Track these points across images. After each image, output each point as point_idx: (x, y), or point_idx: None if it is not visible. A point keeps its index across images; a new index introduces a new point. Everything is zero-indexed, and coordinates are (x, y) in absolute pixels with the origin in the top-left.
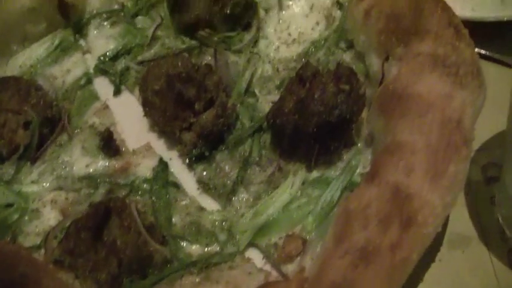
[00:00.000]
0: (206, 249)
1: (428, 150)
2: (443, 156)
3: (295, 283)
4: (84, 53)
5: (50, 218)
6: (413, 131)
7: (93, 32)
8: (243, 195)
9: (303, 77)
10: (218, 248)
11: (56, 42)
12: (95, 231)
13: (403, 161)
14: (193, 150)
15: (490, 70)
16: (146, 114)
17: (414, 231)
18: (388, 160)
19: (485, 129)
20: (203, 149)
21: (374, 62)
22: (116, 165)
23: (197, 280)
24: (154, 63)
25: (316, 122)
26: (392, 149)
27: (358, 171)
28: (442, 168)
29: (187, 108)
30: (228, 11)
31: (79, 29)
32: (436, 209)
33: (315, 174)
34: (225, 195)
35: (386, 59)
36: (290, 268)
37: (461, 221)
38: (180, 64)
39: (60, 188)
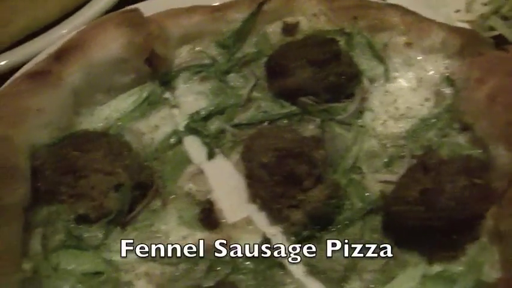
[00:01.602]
0: None
1: None
2: None
3: None
4: (171, 107)
5: None
6: None
7: (181, 86)
8: (355, 284)
9: (428, 165)
10: None
11: (144, 95)
12: None
13: None
14: (303, 232)
15: None
16: (249, 185)
17: None
18: None
19: None
20: (313, 230)
21: (501, 154)
22: (216, 239)
23: None
24: (258, 132)
25: (446, 218)
26: None
27: (485, 269)
28: None
29: (297, 185)
30: (332, 79)
31: (166, 82)
32: None
33: (436, 268)
34: (335, 281)
35: None
36: None
37: None
38: (289, 137)
39: (154, 260)
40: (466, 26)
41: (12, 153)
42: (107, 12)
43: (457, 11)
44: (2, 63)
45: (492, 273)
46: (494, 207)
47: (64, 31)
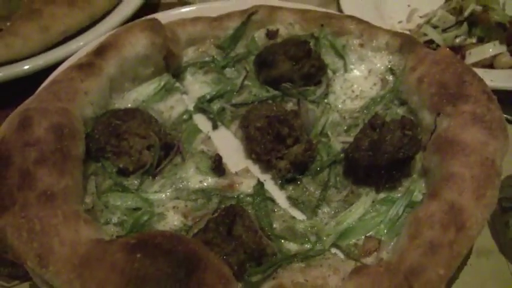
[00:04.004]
0: (301, 246)
1: (473, 179)
2: (483, 184)
3: (383, 267)
4: (181, 93)
5: (174, 219)
6: (462, 165)
7: (189, 77)
8: (325, 209)
9: (374, 124)
10: (310, 246)
11: (162, 83)
12: (228, 227)
13: (456, 186)
14: (288, 175)
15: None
16: (247, 145)
17: (464, 233)
18: (445, 184)
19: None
20: (294, 174)
21: (426, 117)
22: (224, 183)
23: (302, 265)
24: (253, 106)
25: (387, 158)
26: (448, 177)
27: (415, 194)
28: (482, 192)
29: (281, 143)
30: (305, 70)
31: (177, 74)
32: (478, 220)
33: (381, 195)
34: (311, 208)
35: (438, 115)
36: (369, 260)
37: (485, 238)
38: (275, 109)
39: (178, 198)
40: (407, 33)
41: (74, 120)
42: (126, 21)
43: (400, 22)
44: (49, 58)
45: (419, 196)
46: (421, 153)
47: (92, 36)
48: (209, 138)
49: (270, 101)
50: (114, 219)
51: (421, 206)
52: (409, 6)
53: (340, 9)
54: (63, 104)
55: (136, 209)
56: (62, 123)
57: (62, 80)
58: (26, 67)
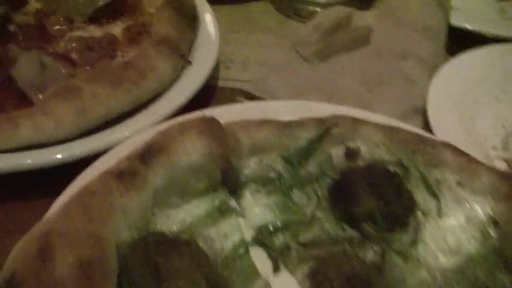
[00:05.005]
0: None
1: None
2: None
3: None
4: (237, 215)
5: None
6: None
7: (248, 196)
8: None
9: None
10: None
11: (216, 203)
12: None
13: None
14: None
15: None
16: None
17: None
18: None
19: None
20: None
21: None
22: None
23: None
24: (329, 255)
25: None
26: None
27: None
28: None
29: None
30: (392, 210)
31: (234, 191)
32: None
33: None
34: None
35: None
36: None
37: None
38: (356, 264)
39: None
40: (503, 164)
41: (107, 252)
42: (178, 112)
43: (494, 148)
44: (87, 147)
45: None
46: None
47: (139, 126)
48: (268, 285)
49: (347, 245)
50: None
51: None
52: (503, 127)
53: (427, 122)
54: (95, 228)
55: None
56: (91, 259)
57: (97, 192)
58: (59, 156)
